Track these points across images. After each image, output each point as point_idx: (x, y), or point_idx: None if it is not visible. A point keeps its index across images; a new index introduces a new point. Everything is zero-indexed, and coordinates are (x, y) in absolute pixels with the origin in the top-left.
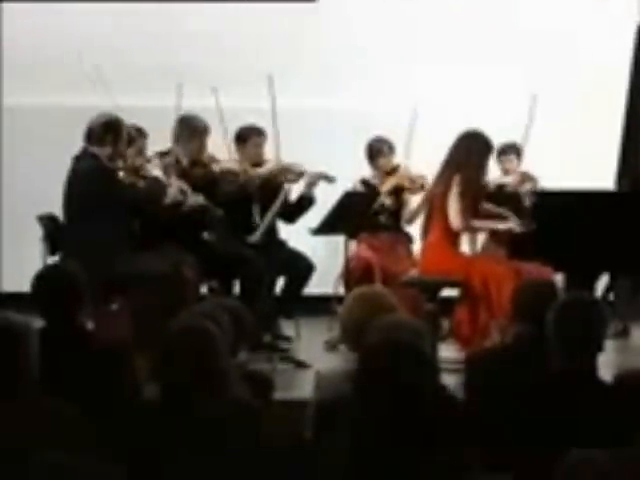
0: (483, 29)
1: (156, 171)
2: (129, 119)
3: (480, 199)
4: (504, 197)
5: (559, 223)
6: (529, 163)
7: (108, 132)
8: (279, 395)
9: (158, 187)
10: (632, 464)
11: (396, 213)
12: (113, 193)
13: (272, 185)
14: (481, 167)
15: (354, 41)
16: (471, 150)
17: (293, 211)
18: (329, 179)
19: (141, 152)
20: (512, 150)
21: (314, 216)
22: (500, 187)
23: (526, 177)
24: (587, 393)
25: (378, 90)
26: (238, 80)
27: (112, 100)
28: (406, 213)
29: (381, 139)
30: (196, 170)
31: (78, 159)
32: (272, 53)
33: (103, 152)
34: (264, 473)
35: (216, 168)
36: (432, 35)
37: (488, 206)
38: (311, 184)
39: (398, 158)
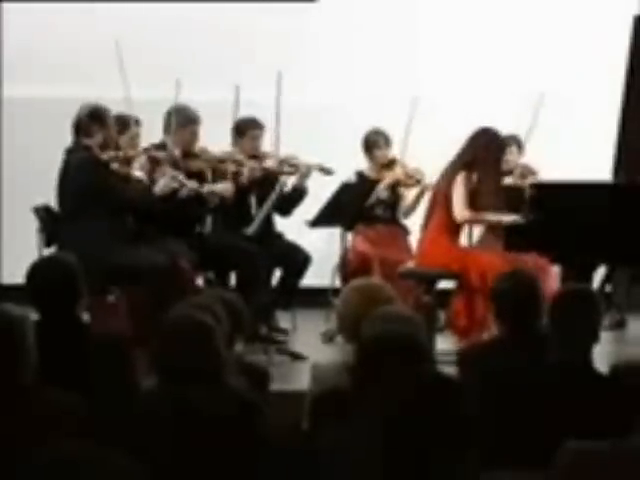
0: (482, 22)
1: (138, 172)
2: (130, 112)
3: (498, 198)
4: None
5: (556, 215)
6: (527, 155)
7: (94, 120)
8: (275, 387)
9: (142, 188)
10: (628, 455)
11: (392, 206)
12: (106, 188)
13: (269, 177)
14: (495, 165)
15: (353, 39)
16: (485, 148)
17: (286, 203)
18: (326, 171)
19: (134, 140)
20: (512, 141)
21: (311, 208)
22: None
23: (527, 172)
24: (583, 384)
25: (376, 85)
26: (237, 75)
27: (122, 92)
28: (403, 207)
29: (378, 131)
30: (188, 162)
31: (70, 152)
32: (271, 50)
33: (94, 142)
34: (261, 465)
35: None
36: (432, 31)
37: None
38: (304, 175)
39: (395, 151)
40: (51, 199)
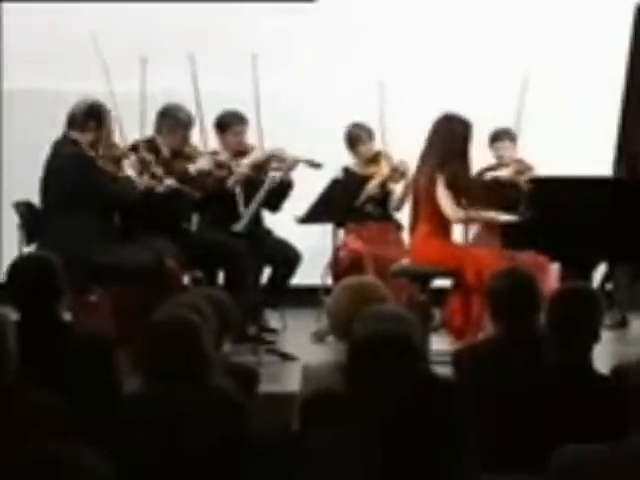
0: (483, 21)
1: (130, 170)
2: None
3: (470, 184)
4: (502, 188)
5: (554, 211)
6: (524, 150)
7: (91, 118)
8: (265, 388)
9: (131, 186)
10: (629, 457)
11: (383, 202)
12: (92, 184)
13: (256, 173)
14: (463, 152)
15: (353, 38)
16: (450, 135)
17: (275, 198)
18: (315, 165)
19: (109, 136)
20: (506, 136)
21: (302, 205)
22: (496, 180)
23: (522, 167)
24: (583, 385)
25: (374, 83)
26: (224, 66)
27: (103, 86)
28: (393, 201)
29: (359, 125)
30: (177, 162)
31: (57, 145)
32: (271, 49)
33: (84, 138)
34: (249, 466)
35: (192, 168)
36: (431, 28)
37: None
38: (290, 168)
39: (378, 144)
40: (32, 195)
